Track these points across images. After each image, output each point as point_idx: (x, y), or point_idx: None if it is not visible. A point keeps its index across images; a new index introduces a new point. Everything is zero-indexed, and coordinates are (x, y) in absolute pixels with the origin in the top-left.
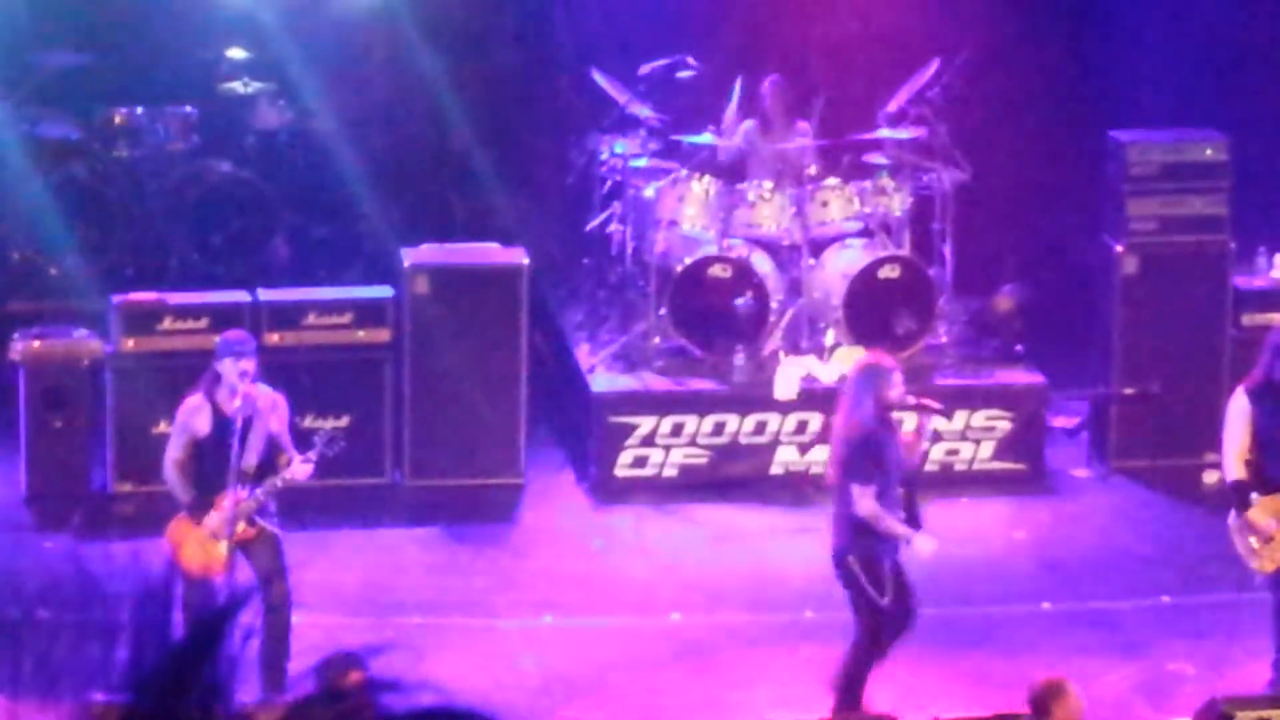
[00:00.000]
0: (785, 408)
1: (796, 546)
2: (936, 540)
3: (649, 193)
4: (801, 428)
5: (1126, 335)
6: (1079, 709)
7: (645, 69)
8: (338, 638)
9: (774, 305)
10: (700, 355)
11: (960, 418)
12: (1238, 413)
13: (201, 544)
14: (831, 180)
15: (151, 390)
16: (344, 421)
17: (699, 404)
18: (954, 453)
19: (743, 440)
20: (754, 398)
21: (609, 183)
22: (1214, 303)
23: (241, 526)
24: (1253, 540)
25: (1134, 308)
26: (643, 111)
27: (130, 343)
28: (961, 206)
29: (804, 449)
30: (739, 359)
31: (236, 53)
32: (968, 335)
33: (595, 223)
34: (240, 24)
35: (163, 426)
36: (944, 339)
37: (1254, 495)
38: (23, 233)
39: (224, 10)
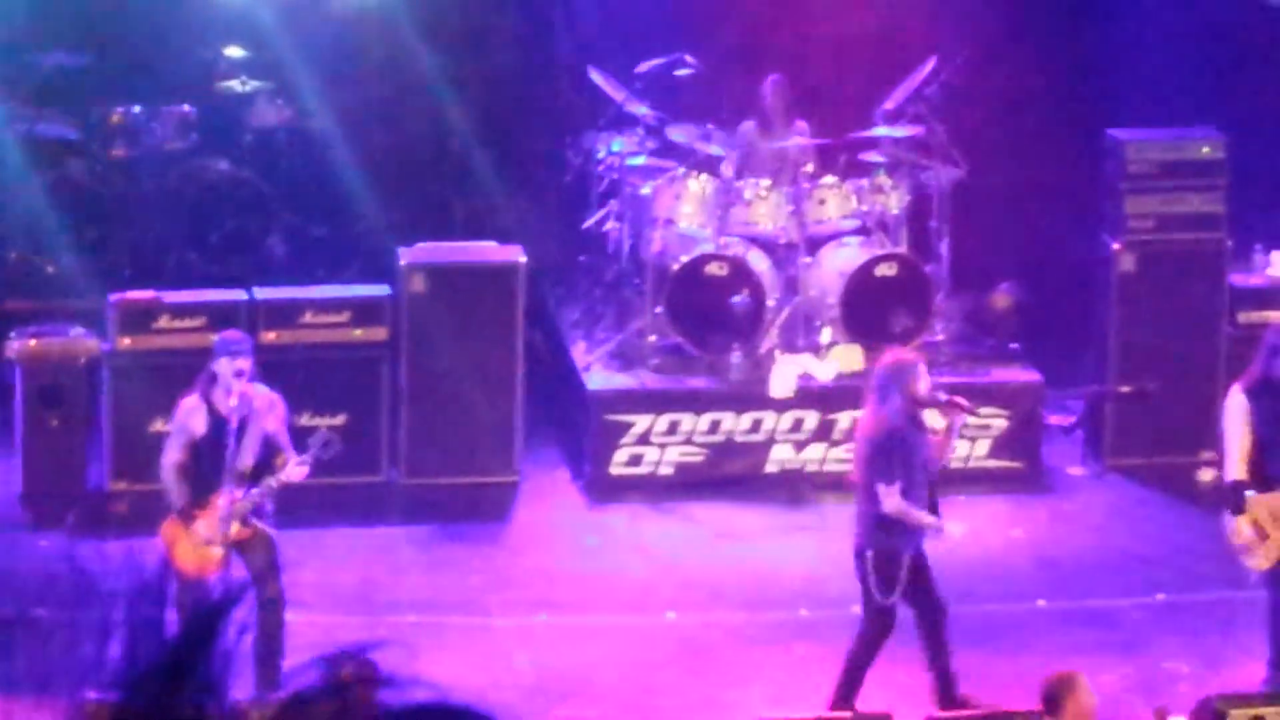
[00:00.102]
0: (781, 406)
1: (792, 545)
2: (963, 525)
3: (646, 191)
4: (797, 426)
5: (1123, 333)
6: (1091, 703)
7: (643, 67)
8: (333, 636)
9: (770, 303)
10: (696, 353)
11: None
12: (1237, 411)
13: (195, 544)
14: (828, 178)
15: (148, 389)
16: (340, 420)
17: (695, 402)
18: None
19: (738, 438)
20: (750, 396)
21: (606, 181)
22: (1211, 301)
23: (236, 527)
24: (1249, 538)
25: (1131, 306)
26: (640, 110)
27: (127, 341)
28: (958, 204)
29: (800, 447)
30: (735, 357)
31: (234, 51)
32: (964, 333)
33: (592, 221)
34: (238, 23)
35: (159, 425)
36: (940, 337)
37: (1249, 494)
38: (20, 231)
39: (222, 9)
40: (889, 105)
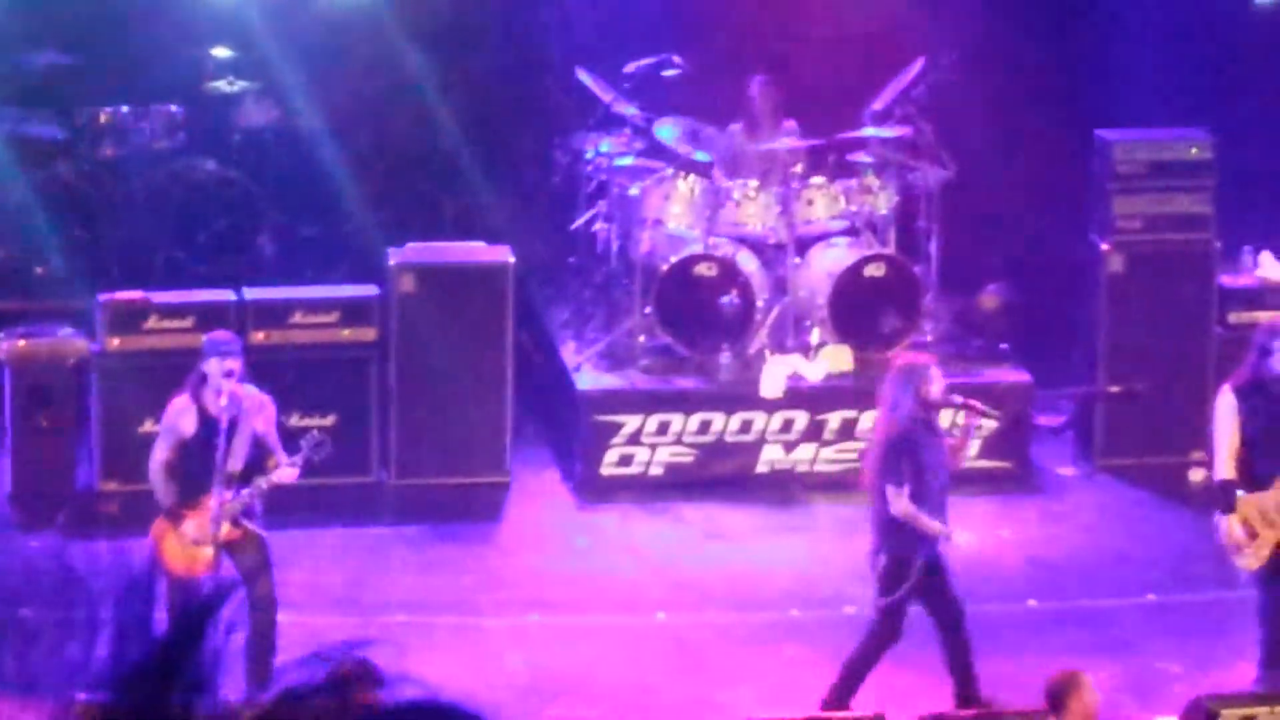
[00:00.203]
0: (771, 406)
1: (782, 545)
2: (972, 534)
3: (634, 191)
4: (787, 426)
5: (1112, 333)
6: (1094, 702)
7: (631, 68)
8: (324, 636)
9: (759, 304)
10: (686, 354)
11: (945, 415)
12: (1226, 411)
13: (185, 544)
14: (817, 179)
15: (137, 389)
16: (330, 420)
17: (685, 402)
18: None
19: (728, 439)
20: (740, 396)
21: (594, 181)
22: (1200, 301)
23: (226, 527)
24: (1239, 538)
25: (1120, 306)
26: (628, 110)
27: (116, 341)
28: (947, 205)
29: (789, 447)
30: (724, 357)
31: (222, 51)
32: (953, 333)
33: (581, 221)
34: (226, 23)
35: (148, 425)
36: (929, 337)
37: (1239, 493)
38: (8, 232)
39: (209, 9)
40: (877, 106)
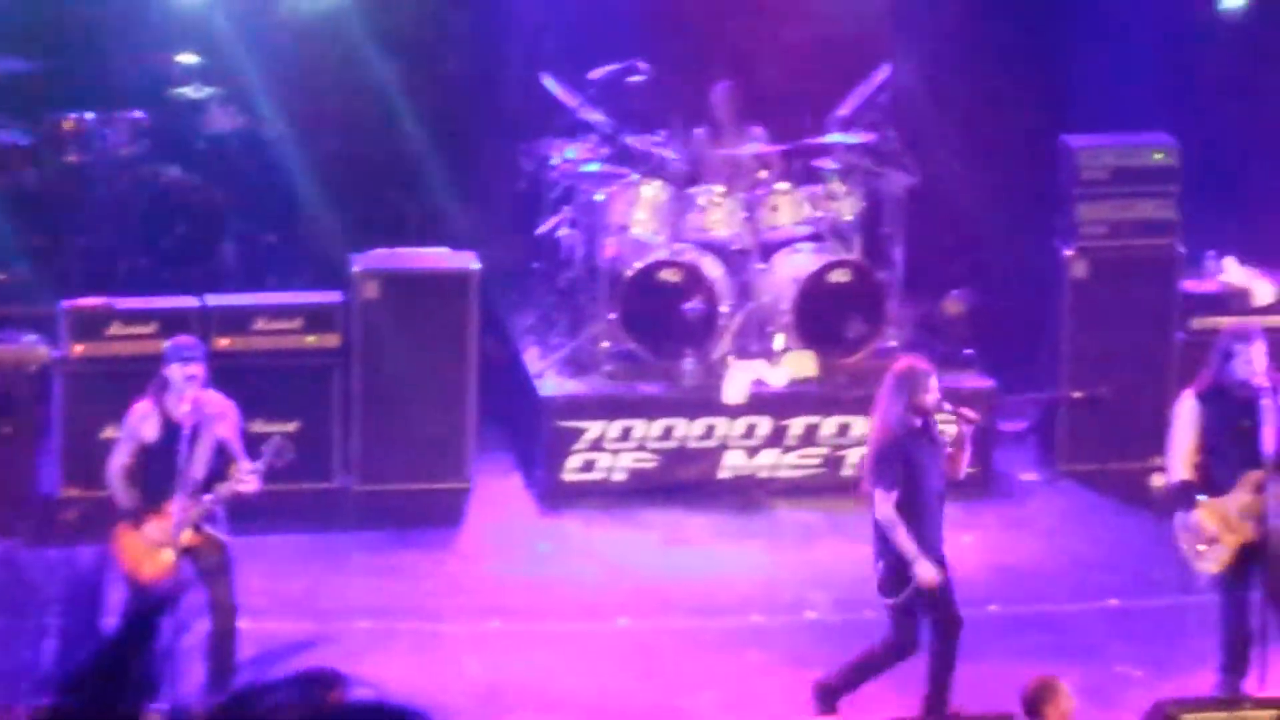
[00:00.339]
0: (734, 412)
1: (744, 551)
2: (939, 574)
3: (600, 197)
4: (750, 432)
5: (1075, 339)
6: (1070, 708)
7: (596, 74)
8: (285, 642)
9: (724, 309)
10: (649, 359)
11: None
12: (1186, 415)
13: (147, 550)
14: (782, 185)
15: (100, 395)
16: (293, 426)
17: (648, 408)
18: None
19: (691, 445)
20: (703, 402)
21: (559, 187)
22: (1163, 306)
23: (188, 533)
24: (1198, 542)
25: (1083, 311)
26: (594, 117)
27: (79, 348)
28: (911, 211)
29: (752, 453)
30: (688, 363)
31: (187, 58)
32: (917, 339)
33: (546, 227)
34: (191, 29)
35: (110, 432)
36: (894, 343)
37: (1201, 497)
38: None
39: (175, 15)
40: (843, 112)
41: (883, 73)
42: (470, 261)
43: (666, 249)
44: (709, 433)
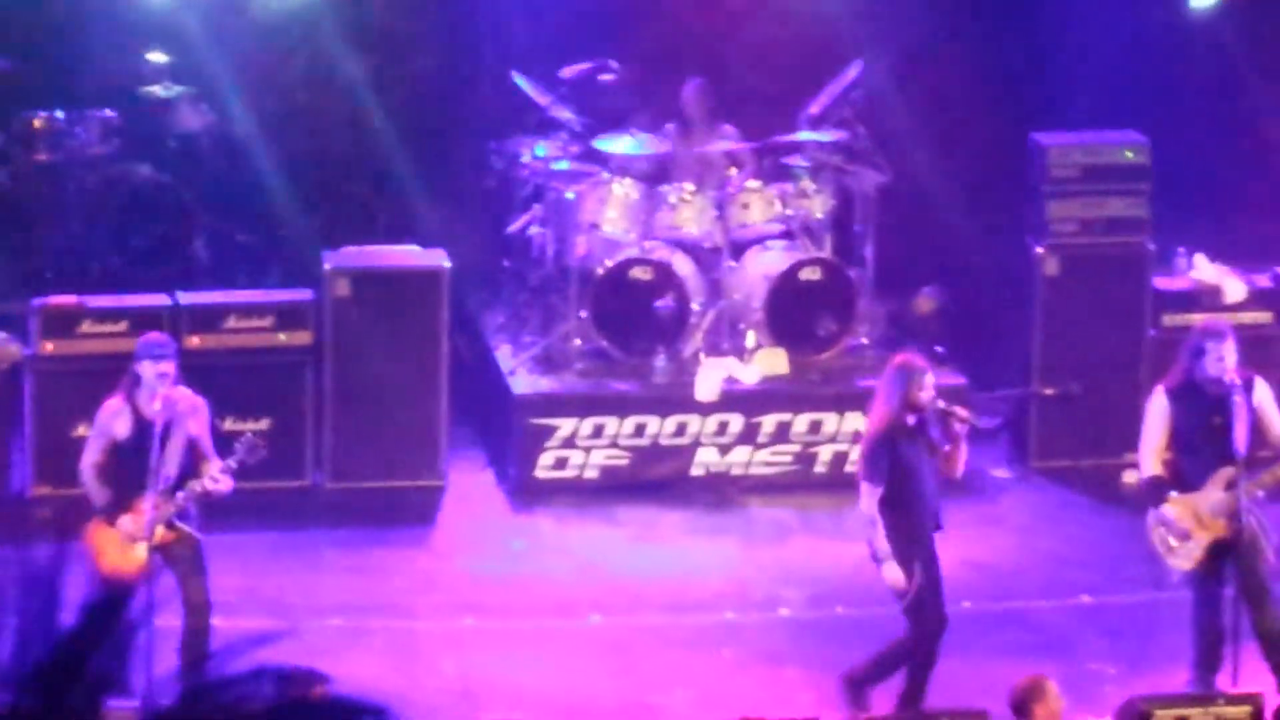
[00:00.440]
0: (706, 409)
1: (717, 548)
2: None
3: (570, 195)
4: (722, 429)
5: (1047, 336)
6: (1059, 707)
7: (567, 72)
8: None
9: (695, 307)
10: (621, 357)
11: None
12: (1156, 411)
13: (119, 547)
14: (753, 183)
15: (71, 393)
16: (265, 424)
17: (620, 406)
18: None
19: (663, 442)
20: (675, 399)
21: (530, 185)
22: (1134, 304)
23: (161, 530)
24: (1170, 539)
25: (1054, 309)
26: (564, 114)
27: (50, 346)
28: (882, 208)
29: (724, 450)
30: (660, 361)
31: (157, 56)
32: (889, 337)
33: (516, 225)
34: (161, 28)
35: (82, 430)
36: (865, 340)
37: (1172, 494)
38: None
39: (144, 14)
40: (813, 110)
41: (854, 70)
42: (441, 259)
43: (637, 247)
44: (681, 430)
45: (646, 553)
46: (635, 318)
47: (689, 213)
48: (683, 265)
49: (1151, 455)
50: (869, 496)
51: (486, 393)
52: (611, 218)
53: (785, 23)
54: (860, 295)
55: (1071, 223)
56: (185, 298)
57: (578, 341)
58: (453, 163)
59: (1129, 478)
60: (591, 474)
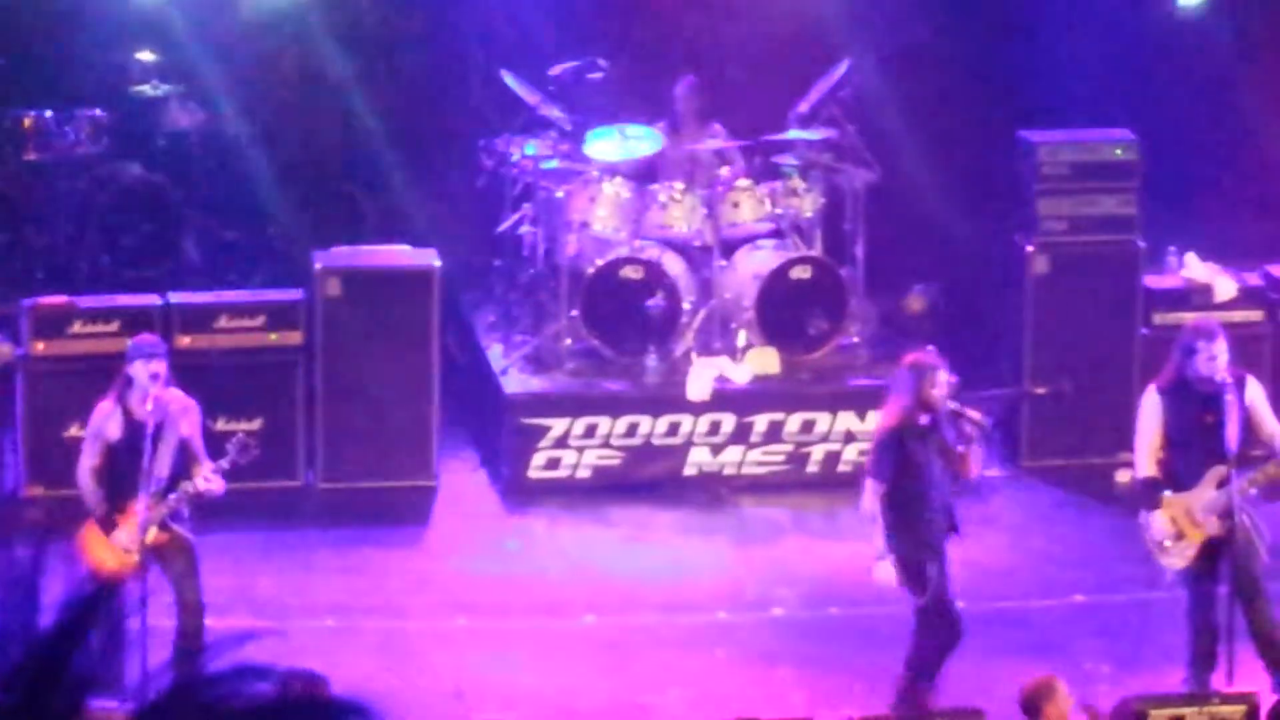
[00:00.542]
0: (698, 409)
1: (710, 548)
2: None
3: (560, 194)
4: (714, 429)
5: (1037, 335)
6: (1068, 707)
7: (556, 70)
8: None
9: (686, 306)
10: (612, 356)
11: (873, 418)
12: (1150, 410)
13: (112, 549)
14: (743, 181)
15: (62, 393)
16: (256, 424)
17: (611, 405)
18: (867, 453)
19: (655, 441)
20: (666, 399)
21: (520, 184)
22: (1124, 302)
23: (153, 532)
24: (1164, 538)
25: (1045, 307)
26: (554, 113)
27: (41, 346)
28: (872, 207)
29: (717, 450)
30: (651, 360)
31: (146, 55)
32: (879, 335)
33: (507, 225)
34: (150, 27)
35: (74, 430)
36: (856, 339)
37: (1165, 493)
38: None
39: (133, 13)
40: (803, 108)
41: (842, 68)
42: (432, 259)
43: (628, 246)
44: (673, 430)
45: (639, 553)
46: (626, 317)
47: (679, 211)
48: (673, 264)
49: (1146, 455)
50: (871, 493)
51: (478, 392)
52: (602, 216)
53: (774, 21)
54: (851, 294)
55: (1061, 221)
56: (176, 297)
57: (569, 341)
58: (443, 162)
59: (1121, 477)
60: (584, 474)
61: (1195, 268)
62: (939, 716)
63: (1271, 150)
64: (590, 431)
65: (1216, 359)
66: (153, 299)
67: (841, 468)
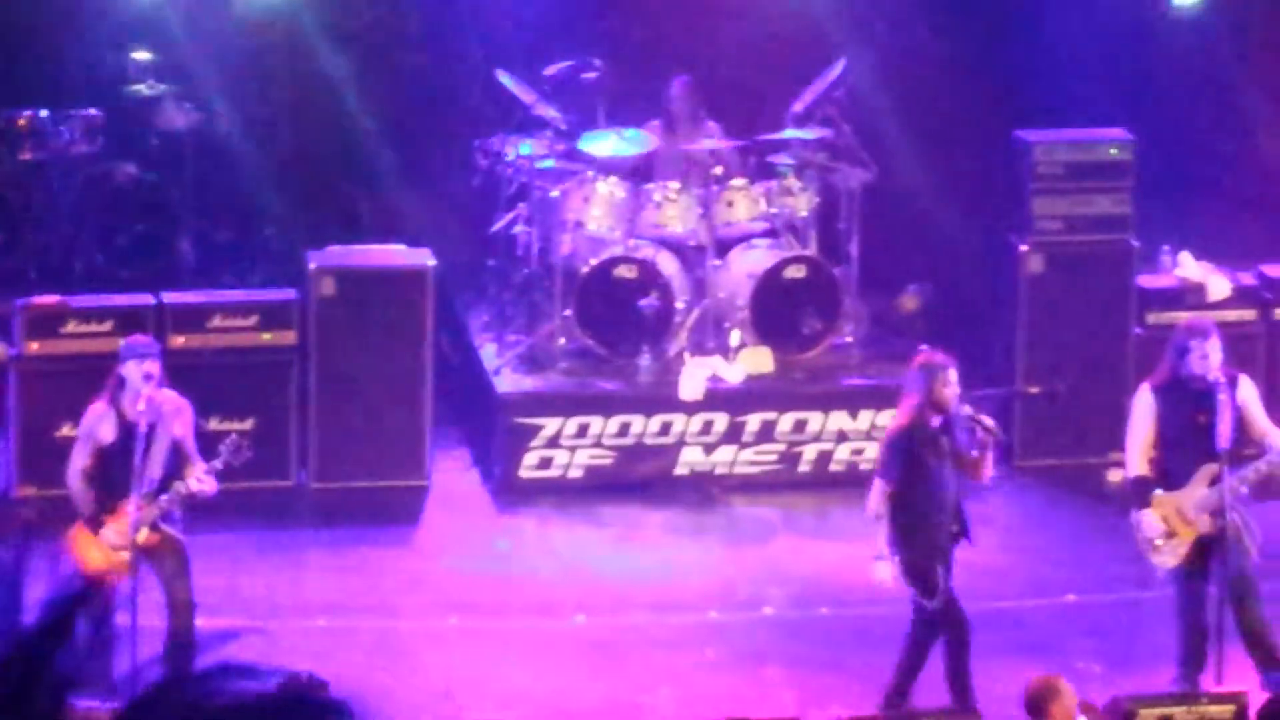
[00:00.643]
0: (691, 408)
1: (701, 547)
2: (893, 573)
3: (555, 194)
4: (707, 428)
5: (1031, 334)
6: (1073, 705)
7: (551, 70)
8: (242, 640)
9: (680, 306)
10: (605, 356)
11: (866, 417)
12: (1142, 409)
13: (104, 550)
14: (737, 181)
15: (55, 393)
16: (249, 424)
17: (604, 405)
18: (859, 452)
19: (648, 441)
20: (659, 398)
21: (515, 184)
22: (1119, 302)
23: (145, 532)
24: (1155, 537)
25: (1039, 307)
26: (549, 113)
27: (34, 345)
28: (867, 206)
29: (709, 449)
30: (644, 360)
31: (141, 55)
32: (874, 335)
33: (501, 224)
34: (145, 26)
35: (67, 430)
36: (850, 339)
37: (1157, 491)
38: None
39: (128, 12)
40: (798, 107)
41: (838, 68)
42: (426, 258)
43: (622, 245)
44: (666, 429)
45: (631, 552)
46: (620, 316)
47: (674, 211)
48: (667, 264)
49: (1138, 453)
50: (876, 493)
51: (471, 392)
52: (596, 216)
53: (769, 21)
54: (845, 293)
55: (1056, 220)
56: (169, 297)
57: (562, 340)
58: (437, 161)
59: (1114, 476)
60: (576, 473)
61: (1189, 267)
62: (930, 715)
63: (1266, 150)
64: (582, 431)
65: (1210, 358)
66: (146, 299)
67: (834, 467)
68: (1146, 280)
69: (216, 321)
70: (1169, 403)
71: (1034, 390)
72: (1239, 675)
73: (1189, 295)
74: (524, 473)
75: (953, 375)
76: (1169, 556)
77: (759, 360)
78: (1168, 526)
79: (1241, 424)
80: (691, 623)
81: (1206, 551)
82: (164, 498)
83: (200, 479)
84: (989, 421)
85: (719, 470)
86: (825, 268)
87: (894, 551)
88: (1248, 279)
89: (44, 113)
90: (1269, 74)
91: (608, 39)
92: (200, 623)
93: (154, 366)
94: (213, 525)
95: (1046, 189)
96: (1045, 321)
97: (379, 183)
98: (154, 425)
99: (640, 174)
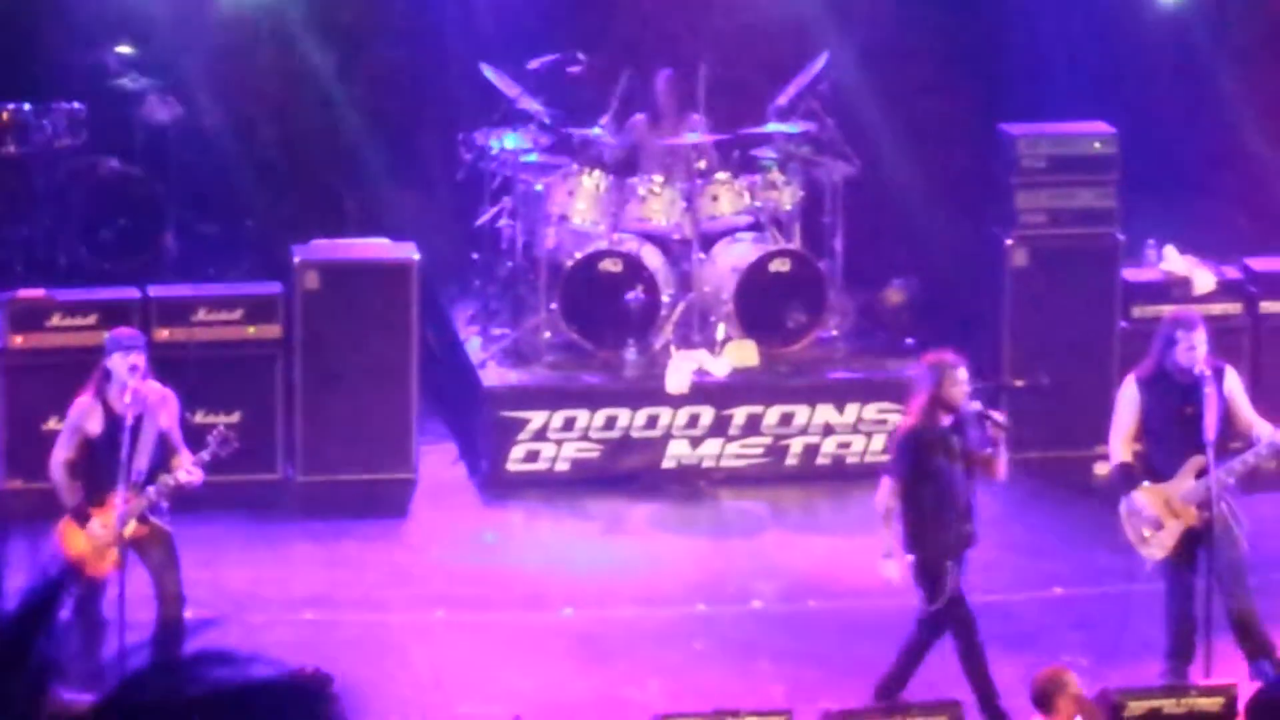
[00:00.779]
0: (677, 401)
1: (688, 540)
2: (902, 572)
3: (539, 187)
4: (693, 421)
5: (1016, 327)
6: (1082, 697)
7: (535, 64)
8: (230, 633)
9: (665, 299)
10: (591, 350)
11: (852, 411)
12: (1127, 400)
13: (92, 542)
14: (721, 174)
15: (41, 387)
16: (235, 417)
17: (590, 398)
18: (845, 446)
19: (634, 434)
20: (645, 392)
21: (499, 177)
22: (1103, 295)
23: (133, 525)
24: (1142, 528)
25: (1024, 300)
26: (533, 106)
27: (19, 339)
28: (851, 200)
29: (695, 443)
30: (630, 353)
31: (125, 49)
32: (859, 328)
33: (486, 217)
34: (128, 20)
35: (53, 423)
36: (835, 332)
37: (1144, 484)
38: None
39: (112, 7)
40: (781, 101)
41: (821, 62)
42: (410, 252)
43: (606, 239)
44: (652, 423)
45: (618, 545)
46: (605, 310)
47: (658, 205)
48: (652, 257)
49: (1121, 442)
50: (883, 490)
51: (457, 385)
52: (580, 210)
53: (753, 14)
54: (830, 287)
55: (1040, 214)
56: (154, 291)
57: (547, 334)
58: (422, 155)
59: (1100, 469)
60: (562, 467)
61: (1174, 261)
62: (917, 709)
63: (1250, 143)
64: (569, 424)
65: (1196, 349)
66: (131, 292)
67: (820, 460)
68: (1131, 274)
69: (201, 315)
70: (1155, 395)
71: (1019, 383)
72: (1227, 668)
73: (1174, 289)
74: (511, 466)
75: (962, 374)
76: (1157, 549)
77: (744, 354)
78: (1155, 518)
79: (1228, 416)
80: (679, 615)
81: (1195, 543)
82: (151, 489)
83: (188, 470)
84: (1000, 417)
85: (706, 463)
86: (810, 261)
87: (907, 551)
88: (1233, 272)
89: (27, 106)
90: (1252, 67)
91: (592, 32)
92: (188, 614)
93: (139, 359)
94: (199, 518)
95: (1030, 182)
96: (1030, 315)
97: (363, 176)
98: (140, 417)
99: (625, 168)
